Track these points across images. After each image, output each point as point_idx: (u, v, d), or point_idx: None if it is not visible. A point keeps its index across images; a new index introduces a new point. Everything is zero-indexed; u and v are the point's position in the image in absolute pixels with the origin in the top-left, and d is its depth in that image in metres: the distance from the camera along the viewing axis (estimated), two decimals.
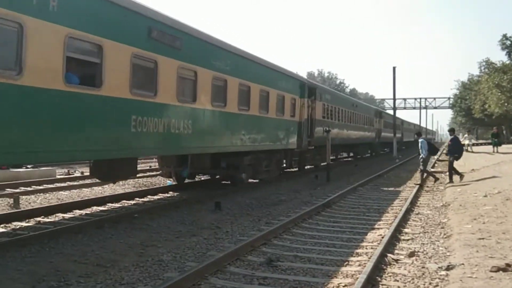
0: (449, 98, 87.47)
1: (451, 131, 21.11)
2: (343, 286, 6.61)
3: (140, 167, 26.04)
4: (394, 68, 41.58)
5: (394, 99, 44.19)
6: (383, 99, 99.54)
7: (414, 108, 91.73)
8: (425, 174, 20.27)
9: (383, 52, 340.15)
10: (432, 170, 24.20)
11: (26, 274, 6.83)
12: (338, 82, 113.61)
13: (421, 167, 20.11)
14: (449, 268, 7.39)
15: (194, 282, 6.50)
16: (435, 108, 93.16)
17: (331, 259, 8.05)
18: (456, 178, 19.30)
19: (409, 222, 11.68)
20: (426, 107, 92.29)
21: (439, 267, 7.53)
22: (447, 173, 20.19)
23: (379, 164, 21.77)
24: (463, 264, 7.41)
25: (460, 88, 76.03)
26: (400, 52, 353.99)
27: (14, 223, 10.30)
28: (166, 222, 10.98)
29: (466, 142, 40.77)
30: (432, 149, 20.24)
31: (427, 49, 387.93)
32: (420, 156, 19.86)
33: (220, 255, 7.58)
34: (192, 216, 11.69)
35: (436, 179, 19.81)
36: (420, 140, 20.02)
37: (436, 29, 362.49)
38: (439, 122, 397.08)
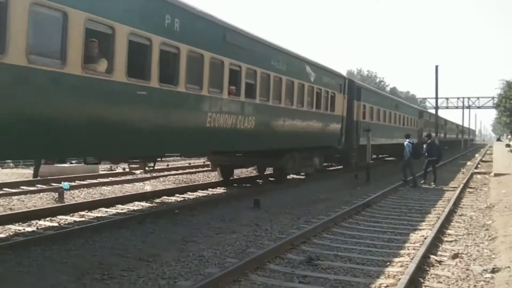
0: (493, 98, 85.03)
1: (428, 136, 22.03)
2: (385, 287, 6.53)
3: (180, 164, 26.35)
4: (436, 66, 40.68)
5: (437, 98, 43.31)
6: (425, 98, 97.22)
7: (457, 107, 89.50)
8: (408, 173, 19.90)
9: (425, 50, 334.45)
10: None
11: (71, 267, 7.00)
12: (378, 80, 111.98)
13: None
14: (494, 271, 7.21)
15: (234, 278, 6.53)
16: (479, 107, 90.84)
17: (372, 259, 7.95)
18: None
19: (452, 223, 11.43)
20: (469, 107, 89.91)
21: (484, 270, 7.34)
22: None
23: (419, 164, 21.41)
24: (509, 267, 7.21)
25: (505, 87, 73.70)
26: (443, 50, 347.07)
27: (59, 217, 10.57)
28: (206, 218, 11.06)
29: None
30: (417, 153, 20.33)
31: (471, 47, 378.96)
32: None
33: (260, 252, 7.59)
34: (232, 213, 11.75)
35: (406, 182, 19.46)
36: (405, 143, 20.07)
37: (480, 27, 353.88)
38: (483, 122, 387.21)
